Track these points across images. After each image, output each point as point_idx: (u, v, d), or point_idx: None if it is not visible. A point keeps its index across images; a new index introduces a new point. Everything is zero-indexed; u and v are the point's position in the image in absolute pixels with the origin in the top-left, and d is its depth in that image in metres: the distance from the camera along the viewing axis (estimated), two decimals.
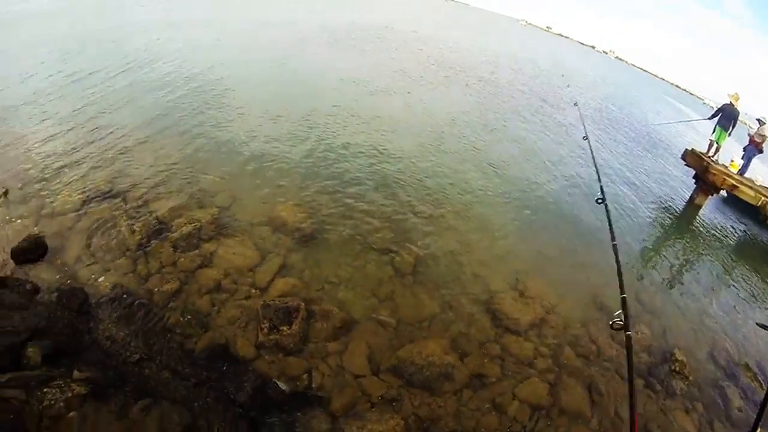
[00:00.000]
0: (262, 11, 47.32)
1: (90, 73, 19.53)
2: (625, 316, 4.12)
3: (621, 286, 4.96)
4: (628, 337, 4.00)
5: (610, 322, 4.25)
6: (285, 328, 7.59)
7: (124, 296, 8.17)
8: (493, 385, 7.95)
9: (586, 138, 10.97)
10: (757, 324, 12.40)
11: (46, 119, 14.95)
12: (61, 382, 6.24)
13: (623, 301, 4.49)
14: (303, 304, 8.08)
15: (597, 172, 8.24)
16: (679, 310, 12.11)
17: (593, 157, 9.52)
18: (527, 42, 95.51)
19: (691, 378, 9.63)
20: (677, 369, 9.62)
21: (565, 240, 13.25)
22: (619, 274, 5.21)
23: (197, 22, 34.72)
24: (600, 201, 7.17)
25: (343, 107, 18.85)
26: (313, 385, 7.25)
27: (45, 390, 6.00)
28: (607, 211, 6.65)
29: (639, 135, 34.67)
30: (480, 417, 7.46)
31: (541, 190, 15.92)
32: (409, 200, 12.41)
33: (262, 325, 7.63)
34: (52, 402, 5.81)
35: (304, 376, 7.33)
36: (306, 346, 7.71)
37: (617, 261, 5.48)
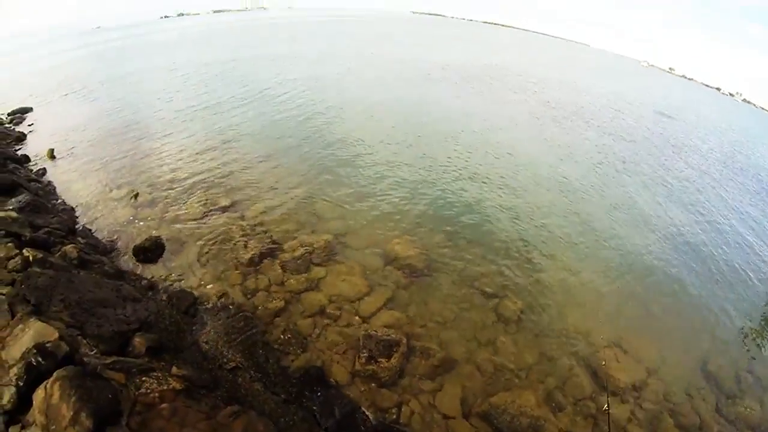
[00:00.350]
0: (387, 47, 48.37)
1: (225, 100, 20.71)
2: None
3: None
4: None
5: None
6: (383, 360, 7.41)
7: (230, 306, 8.37)
8: None
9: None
10: None
11: (181, 137, 15.92)
12: (160, 375, 6.36)
13: None
14: (405, 338, 7.90)
15: None
16: None
17: None
18: (647, 85, 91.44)
19: None
20: None
21: (676, 295, 12.12)
22: None
23: (324, 53, 36.06)
24: None
25: (464, 149, 18.70)
26: (401, 420, 7.00)
27: (144, 378, 6.12)
28: None
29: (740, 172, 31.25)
30: None
31: (655, 251, 14.99)
32: (521, 249, 11.99)
33: (361, 354, 7.48)
34: (148, 391, 5.90)
35: (394, 409, 7.09)
36: (401, 381, 7.48)
37: None
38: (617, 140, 26.76)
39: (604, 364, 8.69)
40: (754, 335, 11.91)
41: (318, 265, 9.54)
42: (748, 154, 36.21)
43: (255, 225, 10.60)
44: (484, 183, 15.40)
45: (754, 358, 10.81)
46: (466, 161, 17.20)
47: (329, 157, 14.99)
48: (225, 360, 7.37)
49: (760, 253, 17.07)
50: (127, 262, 9.55)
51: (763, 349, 11.40)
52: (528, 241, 12.41)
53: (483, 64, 48.46)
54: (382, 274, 9.67)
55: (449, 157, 17.25)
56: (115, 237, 10.34)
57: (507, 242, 11.98)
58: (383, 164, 15.22)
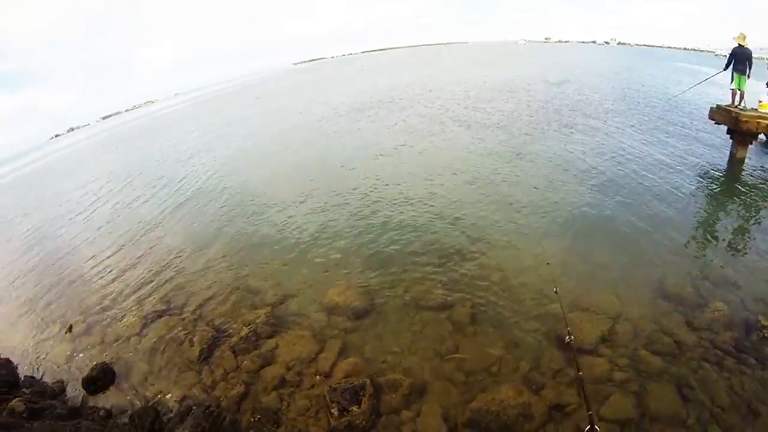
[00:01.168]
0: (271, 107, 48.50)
1: (135, 206, 20.55)
2: None
3: None
4: None
5: None
6: (354, 408, 7.46)
7: (193, 408, 8.25)
8: (575, 412, 7.50)
9: None
10: None
11: (102, 255, 15.67)
12: None
13: None
14: (368, 380, 7.95)
15: None
16: (754, 273, 11.31)
17: None
18: (530, 58, 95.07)
19: None
20: (767, 335, 8.71)
21: (615, 243, 12.59)
22: None
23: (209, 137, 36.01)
24: None
25: (372, 176, 18.98)
26: None
27: None
28: None
29: (662, 111, 33.28)
30: None
31: (584, 202, 15.49)
32: (454, 250, 12.27)
33: (332, 410, 7.51)
34: None
35: None
36: (379, 420, 7.54)
37: None
38: (516, 119, 27.62)
39: (569, 330, 8.89)
40: (695, 246, 12.48)
41: (267, 338, 9.52)
42: (637, 88, 38.00)
43: (195, 319, 10.51)
44: (400, 201, 15.79)
45: (705, 265, 11.31)
46: (376, 185, 17.58)
47: (252, 228, 15.00)
48: None
49: (678, 171, 18.07)
50: (80, 398, 9.33)
51: (706, 255, 11.95)
52: (458, 238, 12.78)
53: (370, 92, 49.05)
54: (328, 326, 9.76)
55: (357, 188, 17.57)
56: (61, 377, 10.06)
57: (439, 250, 12.29)
58: (301, 217, 15.39)
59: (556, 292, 6.95)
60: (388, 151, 22.80)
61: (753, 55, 18.78)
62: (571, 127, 25.77)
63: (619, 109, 31.30)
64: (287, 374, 8.62)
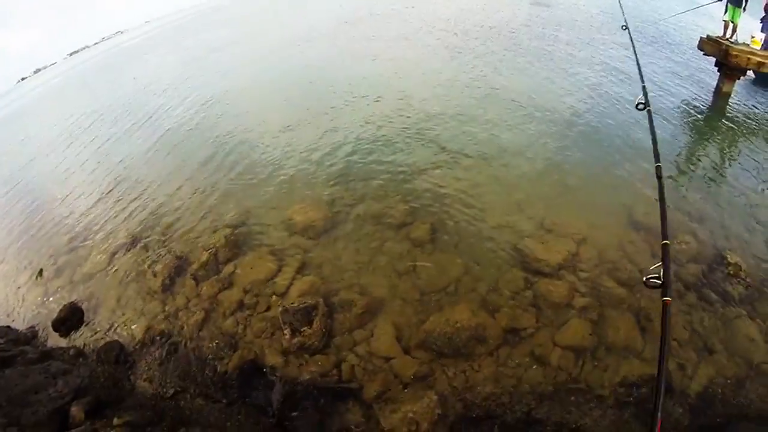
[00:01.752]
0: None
1: (102, 141, 20.27)
2: (665, 271, 3.52)
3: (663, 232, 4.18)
4: (665, 305, 3.46)
5: (644, 279, 3.84)
6: (306, 329, 7.49)
7: (157, 338, 8.43)
8: (531, 337, 7.50)
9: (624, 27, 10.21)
10: None
11: (70, 194, 15.58)
12: None
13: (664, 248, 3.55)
14: (321, 299, 7.96)
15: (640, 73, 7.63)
16: (726, 210, 11.01)
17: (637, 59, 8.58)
18: None
19: (749, 279, 8.47)
20: (732, 272, 8.47)
21: (588, 164, 12.15)
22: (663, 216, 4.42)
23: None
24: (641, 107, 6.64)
25: (344, 93, 18.19)
26: (344, 378, 7.15)
27: None
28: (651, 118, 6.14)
29: (650, 36, 32.54)
30: (521, 374, 7.10)
31: (552, 121, 14.98)
32: (417, 167, 11.94)
33: (284, 332, 7.58)
34: None
35: (334, 371, 7.23)
36: (332, 341, 7.61)
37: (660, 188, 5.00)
38: (496, 38, 26.77)
39: (532, 251, 8.81)
40: (670, 176, 12.15)
41: (226, 262, 9.51)
42: (631, 9, 37.05)
43: (159, 249, 10.49)
44: (368, 118, 15.27)
45: (678, 196, 11.00)
46: (348, 101, 17.04)
47: (221, 152, 14.57)
48: (164, 390, 7.50)
49: (661, 99, 17.66)
50: (51, 340, 9.48)
51: (681, 186, 11.68)
52: (423, 155, 12.39)
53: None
54: (287, 246, 9.66)
55: (331, 105, 16.96)
56: (33, 323, 10.22)
57: (401, 166, 11.97)
58: (270, 137, 14.96)
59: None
60: (360, 69, 22.08)
61: None
62: (553, 44, 25.02)
63: (604, 28, 30.49)
64: (245, 297, 8.67)
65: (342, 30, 31.58)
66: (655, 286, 3.31)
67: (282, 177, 12.22)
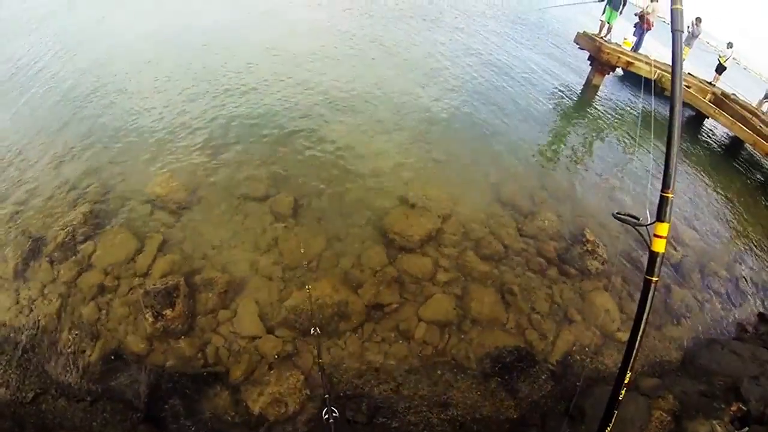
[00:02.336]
0: None
1: None
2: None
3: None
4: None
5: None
6: (168, 312, 7.36)
7: (11, 334, 7.91)
8: (395, 313, 7.83)
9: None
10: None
11: None
12: None
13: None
14: (182, 279, 7.81)
15: None
16: (587, 190, 12.02)
17: None
18: None
19: (604, 255, 9.53)
20: (589, 249, 9.49)
21: (458, 144, 12.76)
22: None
23: None
24: None
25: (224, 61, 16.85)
26: (210, 361, 7.18)
27: None
28: None
29: (531, 26, 34.29)
30: (387, 348, 7.39)
31: (427, 100, 15.21)
32: (282, 134, 11.80)
33: (146, 316, 7.41)
34: None
35: (199, 354, 7.24)
36: (196, 322, 7.59)
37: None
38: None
39: (396, 226, 8.96)
40: (537, 157, 12.92)
41: (84, 241, 8.96)
42: None
43: (9, 230, 9.74)
44: (244, 85, 14.64)
45: (543, 176, 11.75)
46: (225, 69, 16.02)
47: (81, 112, 13.30)
48: (23, 394, 7.14)
49: (535, 85, 18.58)
50: None
51: (546, 167, 12.36)
52: (290, 125, 12.23)
53: None
54: (149, 221, 9.26)
55: (208, 71, 15.79)
56: None
57: (268, 135, 11.78)
58: (137, 99, 13.78)
59: None
60: (245, 35, 21.09)
61: None
62: (439, 26, 25.40)
63: (492, 17, 31.39)
64: (106, 280, 8.30)
65: None
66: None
67: (145, 145, 11.52)
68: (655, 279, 3.46)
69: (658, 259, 3.42)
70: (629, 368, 3.53)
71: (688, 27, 23.85)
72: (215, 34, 19.72)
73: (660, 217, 3.35)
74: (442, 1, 32.99)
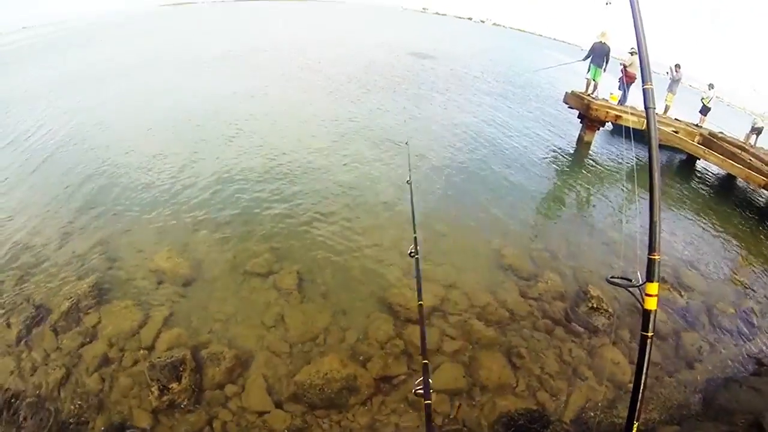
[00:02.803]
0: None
1: None
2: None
3: None
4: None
5: None
6: (174, 385, 7.41)
7: (12, 400, 7.83)
8: (404, 384, 7.89)
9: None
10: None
11: None
12: None
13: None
14: (188, 353, 7.89)
15: None
16: (586, 247, 12.46)
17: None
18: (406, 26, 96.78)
19: (610, 310, 9.82)
20: (594, 305, 9.77)
21: (457, 213, 13.24)
22: None
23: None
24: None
25: (216, 136, 17.51)
26: None
27: None
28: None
29: (522, 87, 36.24)
30: (397, 419, 7.42)
31: (420, 165, 16.03)
32: (285, 208, 12.24)
33: (152, 389, 7.44)
34: None
35: (206, 429, 7.20)
36: (202, 396, 7.58)
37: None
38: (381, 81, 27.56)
39: (400, 298, 9.19)
40: (535, 218, 13.50)
41: (89, 312, 9.03)
42: (508, 64, 39.65)
43: (14, 296, 9.73)
44: (241, 160, 15.18)
45: (543, 237, 12.34)
46: (223, 140, 16.79)
47: (86, 183, 13.58)
48: None
49: (529, 146, 19.42)
50: None
51: (545, 227, 12.89)
52: (291, 200, 12.74)
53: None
54: (154, 294, 9.40)
55: (205, 142, 16.60)
56: None
57: (270, 209, 12.17)
58: (139, 171, 14.20)
59: (411, 254, 6.79)
60: (241, 106, 21.69)
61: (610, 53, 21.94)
62: (434, 94, 26.61)
63: (485, 81, 33.01)
64: (110, 351, 8.32)
65: (229, 64, 31.22)
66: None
67: (150, 217, 11.79)
68: (650, 334, 3.78)
69: (652, 316, 3.76)
70: (635, 419, 3.77)
71: (668, 72, 26.84)
72: (217, 107, 20.34)
73: (649, 277, 3.70)
74: (436, 68, 34.10)
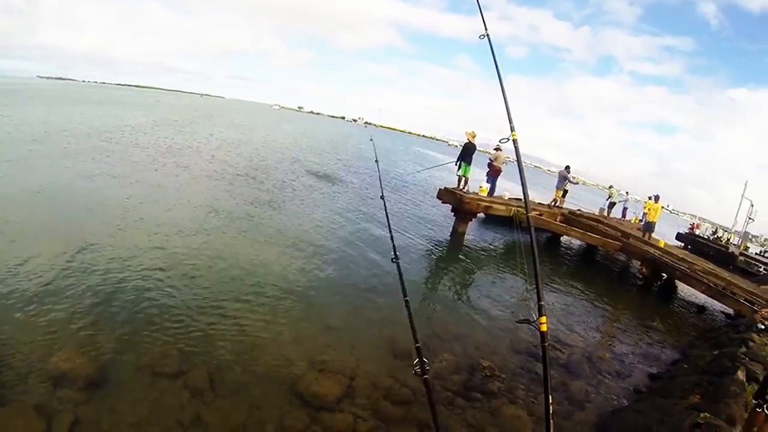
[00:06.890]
0: None
1: None
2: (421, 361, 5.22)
3: (414, 336, 5.77)
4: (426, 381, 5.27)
5: (413, 371, 5.21)
6: None
7: None
8: None
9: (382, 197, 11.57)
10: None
11: None
12: None
13: (417, 350, 5.45)
14: None
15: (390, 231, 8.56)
16: (471, 326, 13.57)
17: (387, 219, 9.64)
18: (281, 125, 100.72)
19: (502, 375, 11.38)
20: (488, 374, 11.26)
21: (347, 308, 14.07)
22: (412, 326, 5.96)
23: None
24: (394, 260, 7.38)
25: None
26: None
27: None
28: (399, 269, 6.97)
29: (399, 186, 39.18)
30: None
31: (315, 264, 17.09)
32: (187, 306, 12.18)
33: None
34: None
35: None
36: None
37: (409, 314, 6.16)
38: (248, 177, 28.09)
39: (310, 388, 9.37)
40: (422, 305, 15.00)
41: None
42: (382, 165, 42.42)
43: None
44: (134, 257, 14.73)
45: (431, 321, 13.55)
46: (117, 235, 16.28)
47: None
48: None
49: (408, 241, 21.04)
50: None
51: (433, 312, 14.23)
52: (193, 296, 12.78)
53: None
54: (55, 399, 8.71)
55: (100, 236, 15.81)
56: None
57: (172, 307, 12.06)
58: (28, 268, 12.90)
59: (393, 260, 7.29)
60: (137, 198, 21.74)
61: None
62: (307, 194, 28.58)
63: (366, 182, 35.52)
64: None
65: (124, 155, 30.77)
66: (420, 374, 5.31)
67: (45, 318, 10.95)
68: (547, 344, 4.67)
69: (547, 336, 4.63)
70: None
71: (561, 172, 32.69)
72: (105, 198, 19.81)
73: (540, 313, 4.55)
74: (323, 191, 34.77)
